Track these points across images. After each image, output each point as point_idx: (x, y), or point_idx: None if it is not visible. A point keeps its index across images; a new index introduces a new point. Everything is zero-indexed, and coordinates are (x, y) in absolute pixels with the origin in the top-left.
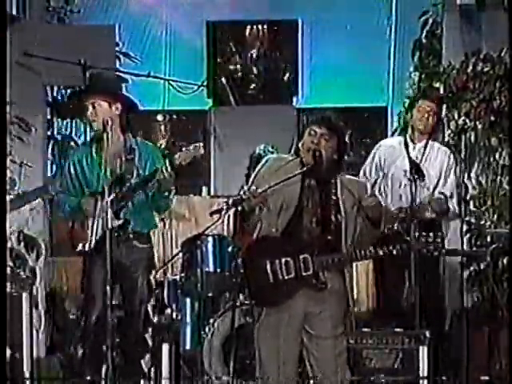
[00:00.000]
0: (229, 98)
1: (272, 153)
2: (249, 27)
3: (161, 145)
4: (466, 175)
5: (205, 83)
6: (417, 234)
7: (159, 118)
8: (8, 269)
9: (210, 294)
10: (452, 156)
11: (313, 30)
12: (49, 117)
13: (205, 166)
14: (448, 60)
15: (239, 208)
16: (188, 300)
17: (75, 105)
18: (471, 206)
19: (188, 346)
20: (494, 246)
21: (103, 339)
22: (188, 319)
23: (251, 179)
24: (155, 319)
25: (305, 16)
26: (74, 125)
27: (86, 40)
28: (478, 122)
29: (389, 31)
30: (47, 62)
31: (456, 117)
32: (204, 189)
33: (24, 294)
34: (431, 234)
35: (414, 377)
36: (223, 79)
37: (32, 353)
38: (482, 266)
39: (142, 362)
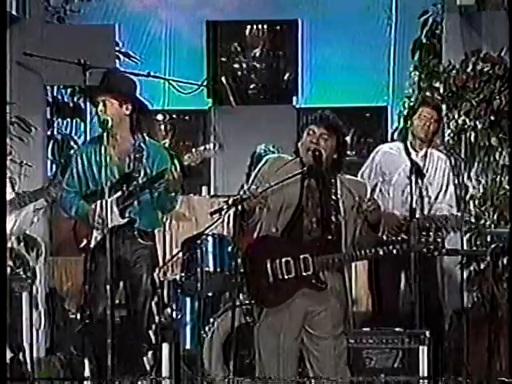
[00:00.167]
0: (229, 98)
1: (273, 152)
2: (249, 27)
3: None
4: (466, 175)
5: (205, 83)
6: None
7: (159, 117)
8: (8, 269)
9: (210, 294)
10: (449, 163)
11: (313, 30)
12: (49, 116)
13: (205, 165)
14: (448, 60)
15: (239, 208)
16: (188, 300)
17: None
18: (471, 206)
19: (188, 346)
20: (493, 245)
21: (106, 337)
22: (188, 319)
23: (251, 179)
24: (157, 319)
25: (305, 16)
26: (74, 124)
27: (86, 40)
28: (477, 122)
29: (389, 31)
30: (47, 62)
31: (456, 116)
32: (204, 188)
33: (24, 294)
34: (431, 234)
35: (414, 377)
36: (223, 79)
37: (32, 353)
38: (481, 266)
39: (145, 359)
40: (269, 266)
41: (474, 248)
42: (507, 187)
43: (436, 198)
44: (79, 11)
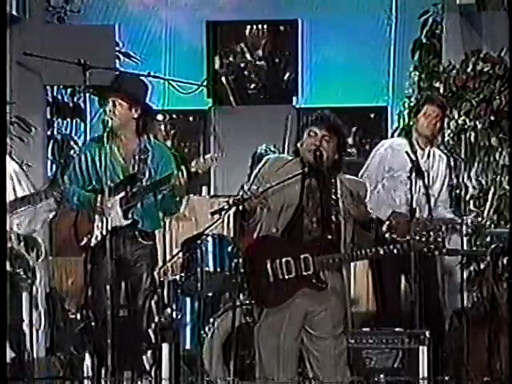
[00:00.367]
0: (229, 98)
1: (274, 152)
2: (249, 27)
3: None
4: (465, 175)
5: (205, 83)
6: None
7: (159, 117)
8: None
9: (210, 294)
10: (446, 162)
11: (313, 30)
12: (49, 116)
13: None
14: (448, 60)
15: (240, 208)
16: (188, 300)
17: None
18: (471, 206)
19: (188, 346)
20: (493, 245)
21: (106, 336)
22: (188, 319)
23: (251, 179)
24: (156, 319)
25: (305, 16)
26: (74, 124)
27: (86, 40)
28: (477, 122)
29: (389, 31)
30: (47, 62)
31: (456, 116)
32: (204, 188)
33: (24, 294)
34: (431, 234)
35: (414, 377)
36: (223, 79)
37: (32, 353)
38: (481, 266)
39: (144, 358)
40: (269, 265)
41: (474, 248)
42: (507, 187)
43: (438, 197)
44: (79, 11)
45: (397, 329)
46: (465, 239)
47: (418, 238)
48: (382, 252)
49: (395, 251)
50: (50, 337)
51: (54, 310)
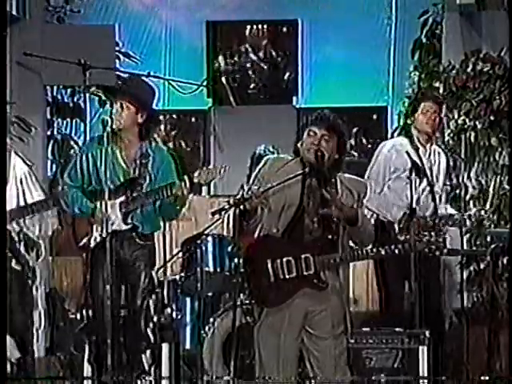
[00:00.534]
0: (229, 98)
1: (273, 153)
2: (249, 27)
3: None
4: (465, 175)
5: (205, 83)
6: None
7: (160, 118)
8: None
9: (209, 294)
10: (446, 160)
11: (313, 30)
12: (49, 116)
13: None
14: (448, 59)
15: (241, 208)
16: (188, 299)
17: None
18: (471, 206)
19: (188, 346)
20: (493, 245)
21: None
22: (188, 319)
23: (251, 179)
24: (155, 318)
25: (305, 16)
26: (73, 124)
27: (86, 40)
28: (477, 122)
29: (389, 31)
30: (47, 62)
31: (456, 116)
32: (204, 188)
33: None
34: (432, 234)
35: (414, 377)
36: (223, 79)
37: (34, 353)
38: (481, 266)
39: (143, 357)
40: (270, 265)
41: (474, 248)
42: (507, 187)
43: (441, 194)
44: (79, 11)
45: (397, 329)
46: (465, 239)
47: (419, 238)
48: (383, 252)
49: (396, 251)
50: (50, 337)
51: (54, 309)
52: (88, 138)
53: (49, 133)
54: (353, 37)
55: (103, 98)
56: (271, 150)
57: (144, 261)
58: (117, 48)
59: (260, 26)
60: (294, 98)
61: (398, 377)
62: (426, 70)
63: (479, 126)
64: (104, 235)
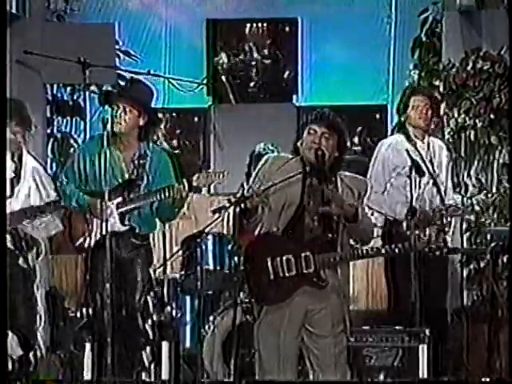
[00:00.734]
0: (229, 96)
1: (272, 151)
2: (249, 25)
3: (160, 143)
4: (465, 173)
5: (205, 81)
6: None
7: (159, 115)
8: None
9: (209, 292)
10: (447, 152)
11: (313, 28)
12: (49, 115)
13: (204, 163)
14: (448, 58)
15: (242, 206)
16: (188, 298)
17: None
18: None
19: (188, 344)
20: (493, 244)
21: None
22: (188, 317)
23: (252, 178)
24: (155, 317)
25: (305, 14)
26: (73, 123)
27: (86, 38)
28: (477, 120)
29: (389, 29)
30: (47, 60)
31: (456, 115)
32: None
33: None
34: (433, 233)
35: (414, 375)
36: (223, 77)
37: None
38: (481, 264)
39: (143, 353)
40: (270, 263)
41: (474, 246)
42: (507, 185)
43: (446, 185)
44: (79, 10)
45: (397, 327)
46: (465, 237)
47: (424, 234)
48: (383, 251)
49: (396, 251)
50: (50, 335)
51: (54, 308)
52: (88, 136)
53: (49, 131)
54: (353, 35)
55: (105, 105)
56: (271, 148)
57: (141, 260)
58: (117, 46)
59: (260, 25)
60: (294, 97)
61: (397, 375)
62: (425, 69)
63: (479, 125)
64: (100, 235)
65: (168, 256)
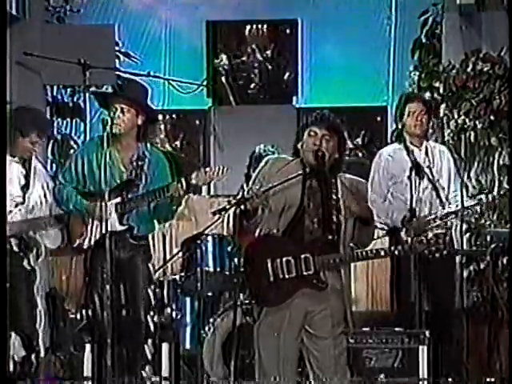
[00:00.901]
0: (229, 98)
1: (272, 152)
2: (249, 27)
3: (160, 144)
4: (465, 175)
5: (204, 83)
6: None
7: (159, 117)
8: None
9: (209, 294)
10: (450, 154)
11: (313, 30)
12: (49, 116)
13: (205, 165)
14: (448, 59)
15: (242, 207)
16: (188, 299)
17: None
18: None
19: (188, 346)
20: (493, 245)
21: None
22: (188, 319)
23: (252, 179)
24: (155, 318)
25: (305, 15)
26: (73, 124)
27: (86, 39)
28: (477, 122)
29: (388, 31)
30: (47, 62)
31: (456, 116)
32: (204, 188)
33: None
34: (433, 235)
35: (414, 376)
36: (223, 79)
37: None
38: (481, 266)
39: (146, 347)
40: (269, 265)
41: (474, 248)
42: (507, 187)
43: (449, 189)
44: (79, 11)
45: (396, 328)
46: (465, 239)
47: (424, 237)
48: (382, 253)
49: (396, 253)
50: (49, 336)
51: (54, 309)
52: (88, 137)
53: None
54: (353, 37)
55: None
56: (271, 149)
57: (139, 260)
58: (117, 48)
59: (260, 26)
60: (294, 98)
61: (398, 377)
62: (425, 70)
63: (479, 126)
64: (99, 236)
65: (168, 257)
